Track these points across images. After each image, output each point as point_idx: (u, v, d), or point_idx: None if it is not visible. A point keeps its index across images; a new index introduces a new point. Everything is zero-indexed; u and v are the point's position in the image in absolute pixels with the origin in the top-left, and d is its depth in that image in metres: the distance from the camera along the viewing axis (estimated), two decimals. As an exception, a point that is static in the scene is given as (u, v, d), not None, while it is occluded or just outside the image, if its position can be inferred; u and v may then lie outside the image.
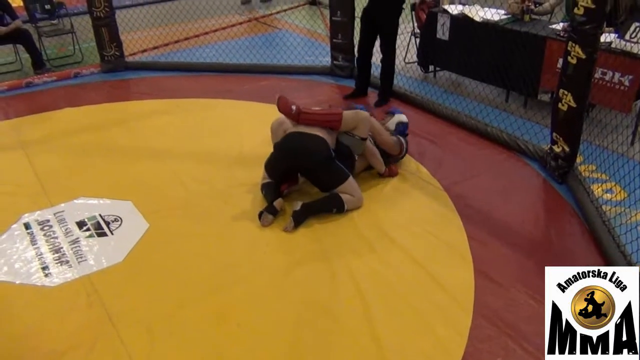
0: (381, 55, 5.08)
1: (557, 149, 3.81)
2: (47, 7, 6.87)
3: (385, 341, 2.55)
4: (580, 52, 3.43)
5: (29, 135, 4.70)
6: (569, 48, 3.51)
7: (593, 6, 3.30)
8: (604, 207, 3.40)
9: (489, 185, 3.81)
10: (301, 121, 3.54)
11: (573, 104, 3.58)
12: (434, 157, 4.17)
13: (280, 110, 3.56)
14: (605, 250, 3.07)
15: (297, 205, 3.41)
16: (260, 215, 3.40)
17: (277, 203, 3.43)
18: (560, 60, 3.83)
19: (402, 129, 4.14)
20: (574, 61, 3.49)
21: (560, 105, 3.67)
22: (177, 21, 7.26)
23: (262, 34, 7.65)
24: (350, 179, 3.54)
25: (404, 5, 4.89)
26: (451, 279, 2.93)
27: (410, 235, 3.30)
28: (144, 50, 6.81)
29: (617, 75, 4.21)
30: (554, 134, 3.83)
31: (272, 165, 3.61)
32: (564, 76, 3.61)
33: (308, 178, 3.65)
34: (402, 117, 4.21)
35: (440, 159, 4.15)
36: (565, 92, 3.61)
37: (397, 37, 4.99)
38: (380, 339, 2.56)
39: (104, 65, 6.21)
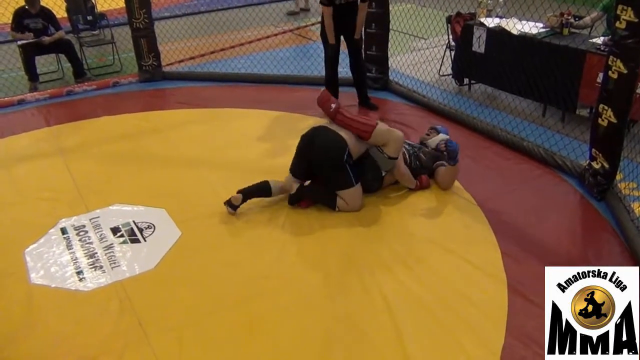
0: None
1: (596, 166, 3.71)
2: (89, 18, 7.11)
3: (415, 359, 2.51)
4: (622, 66, 3.35)
5: (68, 142, 4.83)
6: (610, 62, 3.43)
7: (636, 20, 3.22)
8: (645, 226, 3.29)
9: (525, 201, 3.73)
10: (336, 121, 3.62)
11: (613, 120, 3.48)
12: (468, 171, 4.09)
13: (318, 103, 3.66)
14: (646, 271, 2.96)
15: (293, 189, 3.60)
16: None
17: (233, 198, 3.58)
18: (600, 75, 3.73)
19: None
20: (615, 76, 3.40)
21: (599, 120, 3.58)
22: (213, 33, 7.37)
23: (297, 46, 7.70)
24: (353, 189, 3.55)
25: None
26: (484, 297, 2.87)
27: (442, 250, 3.25)
28: (181, 61, 6.93)
29: (660, 91, 4.09)
30: (593, 150, 3.73)
31: (294, 156, 3.71)
32: (604, 91, 3.52)
33: (318, 175, 3.67)
34: (446, 138, 4.14)
35: (475, 173, 4.09)
36: (606, 108, 3.52)
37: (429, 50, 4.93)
38: (409, 357, 2.52)
39: (142, 75, 6.34)
